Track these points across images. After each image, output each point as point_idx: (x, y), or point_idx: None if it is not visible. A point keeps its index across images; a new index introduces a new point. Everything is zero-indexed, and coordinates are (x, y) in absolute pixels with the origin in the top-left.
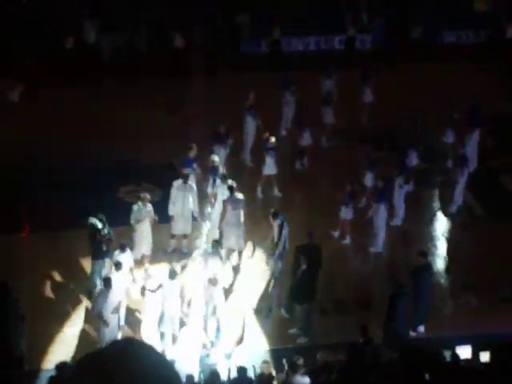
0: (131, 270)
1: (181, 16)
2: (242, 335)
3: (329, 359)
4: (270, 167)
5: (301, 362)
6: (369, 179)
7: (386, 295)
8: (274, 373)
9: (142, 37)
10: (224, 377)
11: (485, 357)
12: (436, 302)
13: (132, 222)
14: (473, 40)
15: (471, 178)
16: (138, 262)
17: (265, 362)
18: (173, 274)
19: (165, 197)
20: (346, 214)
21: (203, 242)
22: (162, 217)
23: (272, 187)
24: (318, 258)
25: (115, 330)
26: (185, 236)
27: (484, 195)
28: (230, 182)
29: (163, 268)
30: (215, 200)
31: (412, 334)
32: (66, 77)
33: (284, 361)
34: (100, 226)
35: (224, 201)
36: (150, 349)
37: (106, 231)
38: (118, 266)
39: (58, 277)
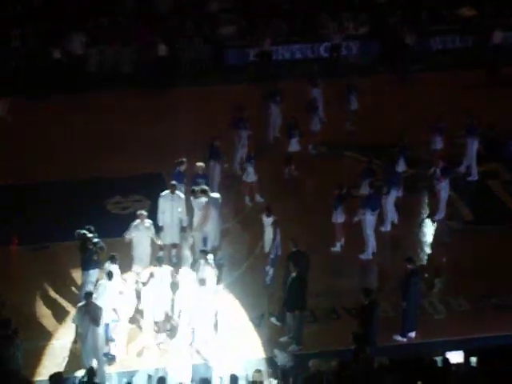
0: (122, 280)
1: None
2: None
3: (321, 367)
4: (251, 175)
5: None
6: (365, 188)
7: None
8: (265, 381)
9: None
10: None
11: (474, 361)
12: (427, 307)
13: (127, 236)
14: (459, 45)
15: (463, 184)
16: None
17: (257, 370)
18: (161, 261)
19: (153, 207)
20: (337, 217)
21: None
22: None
23: (254, 194)
24: (307, 265)
25: (101, 340)
26: (174, 245)
27: (473, 201)
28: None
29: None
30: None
31: (403, 340)
32: (52, 89)
33: (276, 369)
34: (90, 235)
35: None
36: None
37: (96, 240)
38: (109, 275)
39: (48, 288)
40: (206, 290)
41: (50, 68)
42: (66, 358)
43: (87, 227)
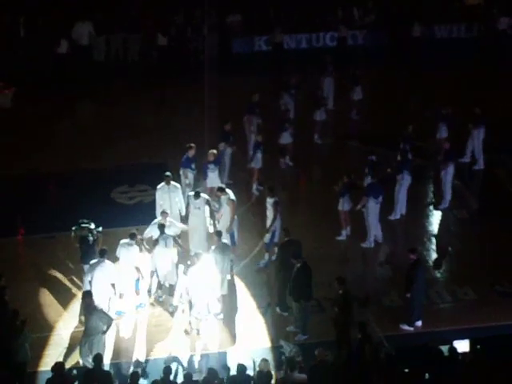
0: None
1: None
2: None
3: (327, 356)
4: (258, 162)
5: (299, 359)
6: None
7: (381, 291)
8: (272, 370)
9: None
10: (223, 374)
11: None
12: (433, 296)
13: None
14: (464, 34)
15: (469, 173)
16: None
17: (263, 359)
18: (162, 228)
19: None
20: (343, 205)
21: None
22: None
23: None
24: (299, 253)
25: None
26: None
27: (480, 190)
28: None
29: None
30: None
31: (409, 329)
32: (57, 80)
33: (282, 358)
34: (92, 226)
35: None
36: None
37: (95, 231)
38: (103, 252)
39: (53, 279)
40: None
41: (57, 62)
42: (72, 349)
43: (82, 220)
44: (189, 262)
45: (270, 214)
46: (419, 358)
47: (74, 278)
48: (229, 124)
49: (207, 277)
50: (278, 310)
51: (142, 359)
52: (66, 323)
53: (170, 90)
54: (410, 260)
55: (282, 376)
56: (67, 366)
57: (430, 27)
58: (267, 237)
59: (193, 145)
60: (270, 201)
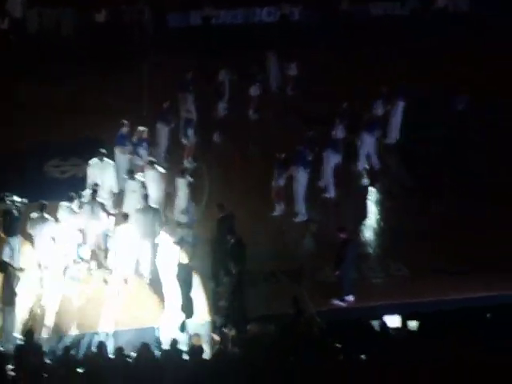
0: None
1: None
2: None
3: (260, 331)
4: (191, 139)
5: (232, 333)
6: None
7: (315, 265)
8: (204, 345)
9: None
10: (156, 349)
11: (413, 325)
12: (366, 271)
13: None
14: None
15: (402, 149)
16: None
17: (196, 334)
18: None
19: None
20: (278, 181)
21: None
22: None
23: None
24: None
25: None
26: None
27: (414, 167)
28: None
29: None
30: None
31: (341, 304)
32: None
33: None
34: (19, 202)
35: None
36: None
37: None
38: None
39: None
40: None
41: None
42: None
43: (5, 193)
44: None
45: (181, 193)
46: (351, 332)
47: None
48: (167, 103)
49: (130, 238)
50: (211, 285)
51: (74, 333)
52: None
53: (106, 67)
54: (339, 239)
55: (215, 351)
56: None
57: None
58: (183, 217)
59: (125, 121)
60: (181, 181)
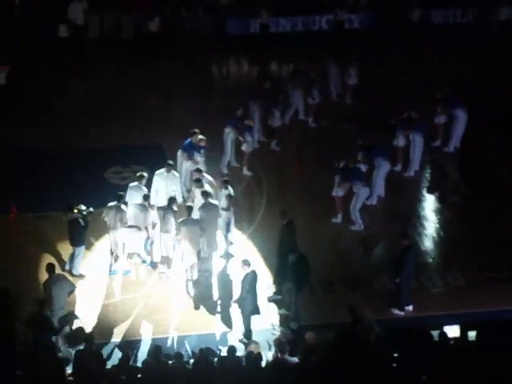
0: None
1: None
2: None
3: (317, 339)
4: (249, 145)
5: (289, 341)
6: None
7: (372, 274)
8: (262, 353)
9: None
10: (214, 357)
11: (472, 335)
12: (424, 280)
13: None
14: (459, 20)
15: (458, 157)
16: None
17: (253, 341)
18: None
19: (151, 179)
20: (337, 191)
21: None
22: None
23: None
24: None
25: None
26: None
27: (470, 174)
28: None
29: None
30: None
31: (400, 313)
32: (56, 61)
33: (273, 341)
34: (83, 208)
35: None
36: None
37: (86, 214)
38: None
39: (45, 257)
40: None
41: (56, 46)
42: None
43: (71, 202)
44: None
45: (224, 204)
46: (409, 342)
47: (64, 259)
48: (241, 110)
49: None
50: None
51: (133, 339)
52: None
53: (164, 71)
54: (401, 245)
55: (273, 359)
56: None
57: (427, 12)
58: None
59: (197, 130)
60: (224, 192)
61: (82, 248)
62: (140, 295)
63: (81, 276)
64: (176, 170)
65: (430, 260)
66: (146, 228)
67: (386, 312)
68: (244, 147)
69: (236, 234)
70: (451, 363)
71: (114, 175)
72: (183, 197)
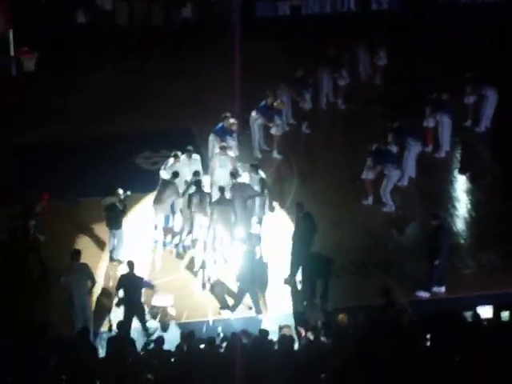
0: None
1: None
2: None
3: (349, 322)
4: (279, 128)
5: (322, 323)
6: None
7: (405, 256)
8: (294, 336)
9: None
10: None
11: (505, 316)
12: (457, 262)
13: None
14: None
15: (490, 137)
16: None
17: (286, 325)
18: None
19: None
20: (367, 174)
21: None
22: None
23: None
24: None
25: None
26: None
27: (503, 155)
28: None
29: None
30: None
31: (426, 295)
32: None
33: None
34: (121, 192)
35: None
36: None
37: (123, 198)
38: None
39: (77, 243)
40: None
41: (77, 30)
42: (98, 313)
43: (110, 186)
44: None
45: (257, 189)
46: (442, 323)
47: (97, 243)
48: (271, 97)
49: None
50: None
51: (166, 323)
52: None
53: (194, 56)
54: (431, 226)
55: (306, 342)
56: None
57: None
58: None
59: (228, 114)
60: (255, 177)
61: (121, 232)
62: (173, 278)
63: (119, 261)
64: (196, 153)
65: (462, 241)
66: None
67: (415, 294)
68: (273, 130)
69: (268, 216)
70: (485, 344)
71: (145, 160)
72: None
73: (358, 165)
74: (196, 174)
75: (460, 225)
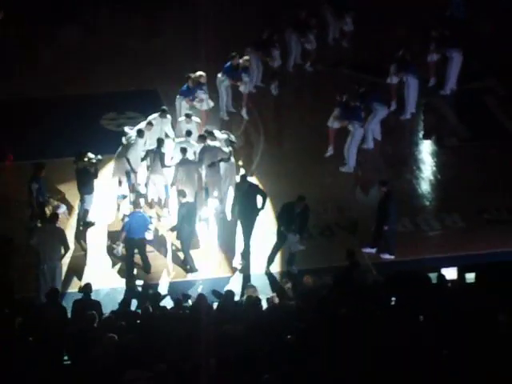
0: None
1: None
2: None
3: (315, 283)
4: (246, 86)
5: (289, 285)
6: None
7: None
8: (260, 296)
9: None
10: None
11: (470, 278)
12: (422, 224)
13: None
14: None
15: (456, 99)
16: None
17: (251, 285)
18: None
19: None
20: (333, 123)
21: None
22: None
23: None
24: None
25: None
26: None
27: (469, 116)
28: None
29: None
30: None
31: (390, 257)
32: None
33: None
34: (92, 156)
35: None
36: None
37: (94, 161)
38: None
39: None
40: None
41: None
42: (70, 274)
43: (80, 150)
44: None
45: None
46: (407, 284)
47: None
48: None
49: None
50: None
51: (131, 285)
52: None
53: (159, 14)
54: (381, 192)
55: (272, 303)
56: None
57: None
58: None
59: (191, 75)
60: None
61: (92, 196)
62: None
63: (90, 224)
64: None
65: (427, 203)
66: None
67: (379, 256)
68: (242, 88)
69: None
70: (449, 305)
71: (110, 122)
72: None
73: (323, 127)
74: (159, 141)
75: (425, 187)
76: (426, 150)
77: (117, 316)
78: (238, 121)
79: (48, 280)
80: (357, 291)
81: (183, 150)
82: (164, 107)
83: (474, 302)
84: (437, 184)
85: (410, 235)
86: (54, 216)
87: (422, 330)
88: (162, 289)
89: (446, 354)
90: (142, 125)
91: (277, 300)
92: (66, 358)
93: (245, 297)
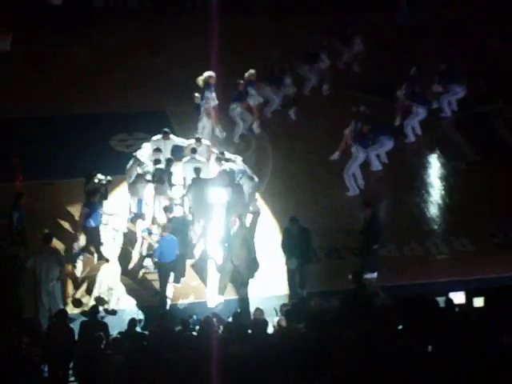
0: None
1: None
2: None
3: (322, 305)
4: (254, 98)
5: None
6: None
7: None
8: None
9: None
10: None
11: (479, 302)
12: (430, 247)
13: None
14: None
15: (464, 122)
16: None
17: (258, 308)
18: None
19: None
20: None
21: None
22: None
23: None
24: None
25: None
26: None
27: (477, 140)
28: None
29: None
30: None
31: (373, 276)
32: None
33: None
34: (102, 177)
35: None
36: None
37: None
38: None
39: (49, 226)
40: None
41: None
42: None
43: (90, 172)
44: None
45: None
46: (414, 307)
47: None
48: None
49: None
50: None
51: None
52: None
53: (170, 35)
54: (365, 213)
55: (279, 326)
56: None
57: None
58: None
59: (197, 95)
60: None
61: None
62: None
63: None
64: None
65: (436, 227)
66: None
67: (392, 278)
68: (251, 102)
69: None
70: (457, 329)
71: (119, 143)
72: None
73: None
74: (169, 161)
75: (434, 210)
76: (434, 173)
77: (123, 337)
78: (248, 139)
79: (45, 302)
80: (363, 314)
81: (197, 170)
82: (166, 129)
83: (481, 326)
84: (445, 208)
85: (418, 259)
86: (48, 236)
87: (429, 354)
88: (171, 310)
89: (453, 378)
90: (148, 149)
91: (284, 323)
92: (72, 379)
93: (252, 319)
